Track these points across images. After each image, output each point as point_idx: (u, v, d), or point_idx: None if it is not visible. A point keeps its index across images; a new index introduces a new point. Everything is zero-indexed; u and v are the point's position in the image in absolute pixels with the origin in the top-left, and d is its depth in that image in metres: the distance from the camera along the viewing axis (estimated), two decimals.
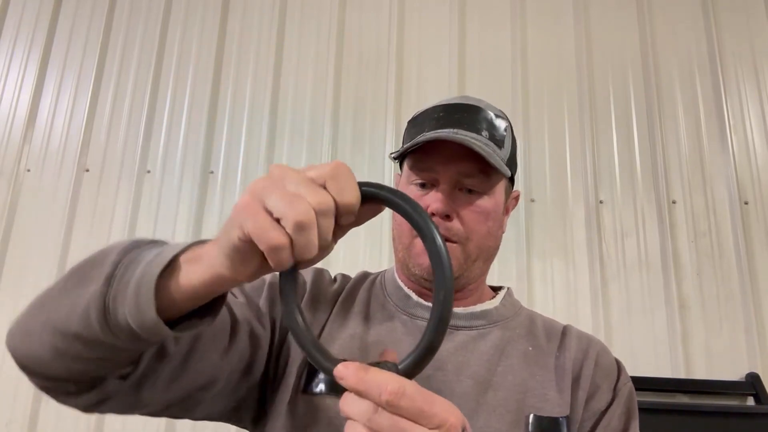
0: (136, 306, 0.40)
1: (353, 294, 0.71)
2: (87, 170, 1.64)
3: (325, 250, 0.39)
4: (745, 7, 1.72)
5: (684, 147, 1.62)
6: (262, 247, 0.36)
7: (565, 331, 0.71)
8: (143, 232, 1.58)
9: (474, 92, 1.69)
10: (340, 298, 0.69)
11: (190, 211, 1.58)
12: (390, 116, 1.64)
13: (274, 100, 1.67)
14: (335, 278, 0.74)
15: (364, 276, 0.75)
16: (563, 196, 1.58)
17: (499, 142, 0.66)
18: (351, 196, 0.39)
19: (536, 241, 1.54)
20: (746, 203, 1.56)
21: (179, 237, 1.56)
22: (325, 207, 0.37)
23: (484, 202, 0.65)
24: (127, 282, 0.41)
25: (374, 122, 1.65)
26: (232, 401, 0.61)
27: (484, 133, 0.65)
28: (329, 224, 0.38)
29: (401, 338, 0.65)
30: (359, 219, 0.42)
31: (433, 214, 0.63)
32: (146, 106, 1.68)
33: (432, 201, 0.63)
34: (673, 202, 1.57)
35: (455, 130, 0.64)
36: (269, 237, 0.35)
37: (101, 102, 1.70)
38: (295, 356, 0.63)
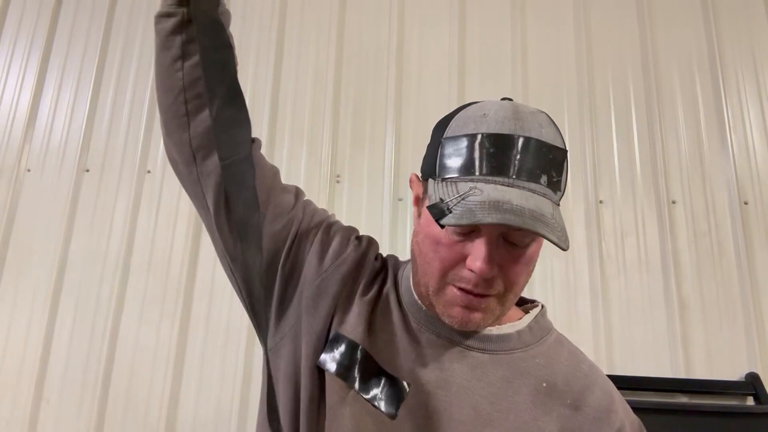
0: None
1: (382, 285, 0.69)
2: (87, 170, 1.64)
3: None
4: (745, 7, 1.72)
5: (684, 147, 1.61)
6: None
7: (589, 380, 0.63)
8: (143, 232, 1.58)
9: (474, 92, 1.70)
10: (373, 289, 0.68)
11: (191, 211, 1.58)
12: (390, 116, 1.64)
13: (274, 100, 1.67)
14: (377, 258, 0.72)
15: (392, 265, 0.72)
16: (563, 196, 1.58)
17: (555, 185, 0.56)
18: None
19: None
20: (746, 203, 1.55)
21: (179, 237, 1.57)
22: None
23: (529, 251, 0.58)
24: None
25: (374, 122, 1.65)
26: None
27: (543, 178, 0.55)
28: None
29: (412, 345, 0.63)
30: None
31: (472, 270, 0.56)
32: (146, 106, 1.68)
33: (473, 258, 0.55)
34: (673, 202, 1.57)
35: (509, 180, 0.54)
36: None
37: (101, 102, 1.70)
38: (323, 321, 0.64)
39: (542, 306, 0.69)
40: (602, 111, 1.65)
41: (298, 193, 0.71)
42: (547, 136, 0.57)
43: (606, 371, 1.41)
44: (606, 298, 1.49)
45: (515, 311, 0.68)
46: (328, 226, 0.70)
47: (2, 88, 1.73)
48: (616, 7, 1.73)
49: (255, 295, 0.63)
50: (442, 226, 0.54)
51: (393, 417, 0.58)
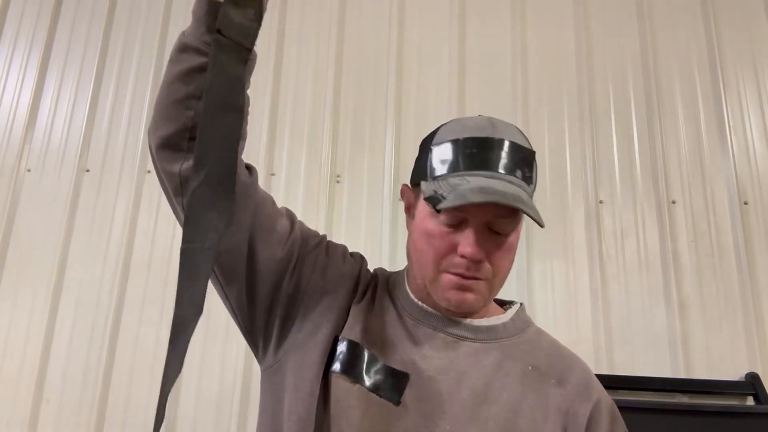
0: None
1: (374, 292, 0.74)
2: (87, 170, 1.64)
3: None
4: (745, 7, 1.72)
5: (684, 147, 1.61)
6: None
7: (569, 362, 0.71)
8: (143, 233, 1.58)
9: (474, 92, 1.70)
10: (366, 297, 0.73)
11: None
12: (390, 116, 1.64)
13: (274, 100, 1.67)
14: (373, 273, 0.78)
15: (382, 275, 0.79)
16: (563, 196, 1.58)
17: (528, 179, 0.66)
18: None
19: (536, 241, 1.54)
20: (746, 203, 1.55)
21: (179, 237, 1.56)
22: None
23: (511, 239, 0.67)
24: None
25: (374, 122, 1.65)
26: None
27: (518, 173, 0.64)
28: None
29: (409, 340, 0.68)
30: None
31: (463, 257, 0.63)
32: (146, 106, 1.68)
33: (464, 245, 0.63)
34: (673, 202, 1.57)
35: (490, 173, 0.63)
36: None
37: (101, 102, 1.70)
38: (325, 334, 0.67)
39: (521, 304, 0.77)
40: (602, 111, 1.65)
41: (290, 216, 0.75)
42: (518, 140, 0.67)
43: (606, 371, 1.41)
44: (606, 298, 1.49)
45: (497, 309, 0.75)
46: (325, 247, 0.75)
47: (2, 88, 1.73)
48: (615, 7, 1.73)
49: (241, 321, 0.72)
50: (439, 211, 0.63)
51: (397, 403, 0.62)
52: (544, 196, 1.58)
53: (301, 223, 0.76)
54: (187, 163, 0.62)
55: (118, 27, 1.77)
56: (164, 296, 1.52)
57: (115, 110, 1.69)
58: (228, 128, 0.57)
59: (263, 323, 0.70)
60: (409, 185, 0.74)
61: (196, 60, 0.60)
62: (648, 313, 1.48)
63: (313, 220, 1.55)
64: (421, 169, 0.69)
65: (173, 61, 0.62)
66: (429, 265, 0.66)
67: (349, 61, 1.71)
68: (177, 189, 0.65)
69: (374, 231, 1.54)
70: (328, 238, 0.79)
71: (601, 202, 1.57)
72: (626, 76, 1.68)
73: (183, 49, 0.61)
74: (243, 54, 0.58)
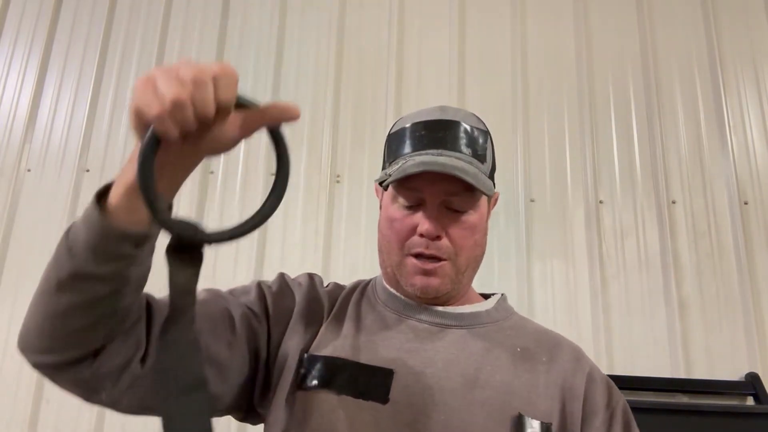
0: (84, 219, 0.48)
1: (346, 301, 0.73)
2: (87, 170, 1.64)
3: (207, 131, 0.45)
4: (745, 7, 1.72)
5: (684, 147, 1.61)
6: (141, 110, 0.42)
7: (557, 340, 0.72)
8: None
9: (474, 92, 1.70)
10: (335, 309, 0.71)
11: (190, 212, 1.58)
12: (390, 116, 1.64)
13: (274, 100, 1.66)
14: (328, 285, 0.76)
15: (357, 283, 0.78)
16: (563, 196, 1.58)
17: (480, 157, 0.68)
18: (227, 91, 0.44)
19: (536, 241, 1.54)
20: (746, 203, 1.55)
21: None
22: (200, 79, 0.41)
23: (470, 218, 0.67)
24: (78, 224, 0.49)
25: (374, 122, 1.65)
26: (236, 390, 0.63)
27: (467, 150, 0.67)
28: (204, 96, 0.42)
29: (393, 335, 0.67)
30: (244, 127, 0.48)
31: (422, 235, 0.65)
32: None
33: (421, 224, 0.65)
34: (673, 202, 1.57)
35: (439, 151, 0.66)
36: (146, 101, 0.41)
37: (101, 102, 1.70)
38: (292, 355, 0.66)
39: (502, 294, 0.77)
40: (602, 111, 1.65)
41: (227, 305, 0.65)
42: (469, 121, 0.70)
43: (606, 371, 1.40)
44: (606, 298, 1.49)
45: (479, 298, 0.75)
46: (264, 296, 0.69)
47: (2, 88, 1.73)
48: (616, 7, 1.73)
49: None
50: (386, 189, 0.69)
51: (385, 401, 0.61)
52: (544, 196, 1.58)
53: (230, 295, 0.67)
54: (99, 364, 0.52)
55: (118, 27, 1.77)
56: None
57: (115, 110, 1.69)
58: (198, 405, 0.46)
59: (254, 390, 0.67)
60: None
61: (101, 288, 0.48)
62: (648, 313, 1.48)
63: (313, 220, 1.55)
64: (383, 160, 0.73)
65: (66, 288, 0.48)
66: (394, 250, 0.69)
67: (349, 61, 1.71)
68: (91, 391, 0.54)
69: (374, 231, 1.54)
70: (328, 238, 0.78)
71: (601, 202, 1.57)
72: (626, 76, 1.68)
73: (83, 277, 0.47)
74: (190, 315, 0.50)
